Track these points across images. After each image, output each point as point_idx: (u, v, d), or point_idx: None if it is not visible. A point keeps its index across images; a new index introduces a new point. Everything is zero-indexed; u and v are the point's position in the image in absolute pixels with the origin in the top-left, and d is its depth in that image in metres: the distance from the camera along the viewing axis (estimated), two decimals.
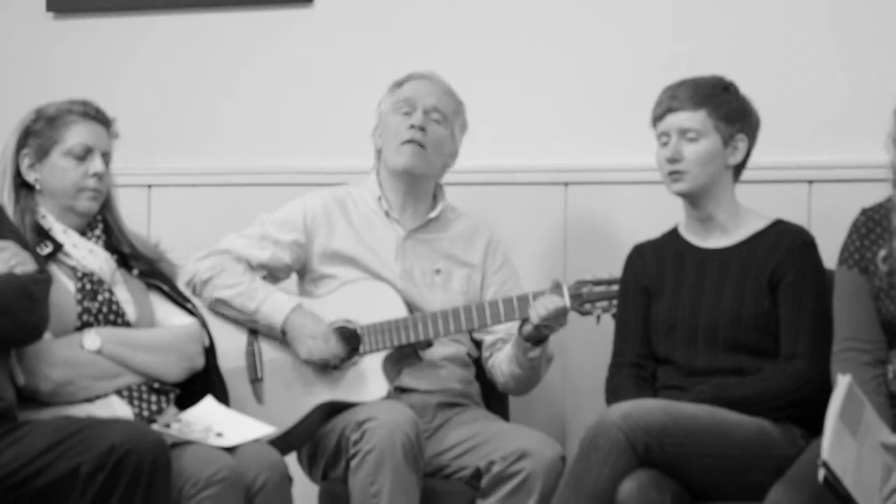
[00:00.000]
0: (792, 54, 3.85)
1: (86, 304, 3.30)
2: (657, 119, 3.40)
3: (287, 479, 3.24)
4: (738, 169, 3.42)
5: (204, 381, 3.38)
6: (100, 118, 3.40)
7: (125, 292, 3.38)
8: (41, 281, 3.13)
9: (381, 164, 3.77)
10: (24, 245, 3.19)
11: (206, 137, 4.41)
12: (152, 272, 3.45)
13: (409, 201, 3.75)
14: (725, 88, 3.40)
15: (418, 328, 3.57)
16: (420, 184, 3.74)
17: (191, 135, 4.42)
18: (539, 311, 3.47)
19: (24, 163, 3.37)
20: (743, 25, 3.90)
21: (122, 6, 4.48)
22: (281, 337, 3.61)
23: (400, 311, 3.60)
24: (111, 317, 3.32)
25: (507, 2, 4.12)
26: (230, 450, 3.17)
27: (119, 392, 3.26)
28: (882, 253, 3.11)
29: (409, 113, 3.69)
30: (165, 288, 3.44)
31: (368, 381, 3.57)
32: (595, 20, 4.03)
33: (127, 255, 3.43)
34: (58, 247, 3.33)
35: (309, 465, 3.63)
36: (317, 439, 3.56)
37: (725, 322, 3.30)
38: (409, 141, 3.66)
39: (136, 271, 3.43)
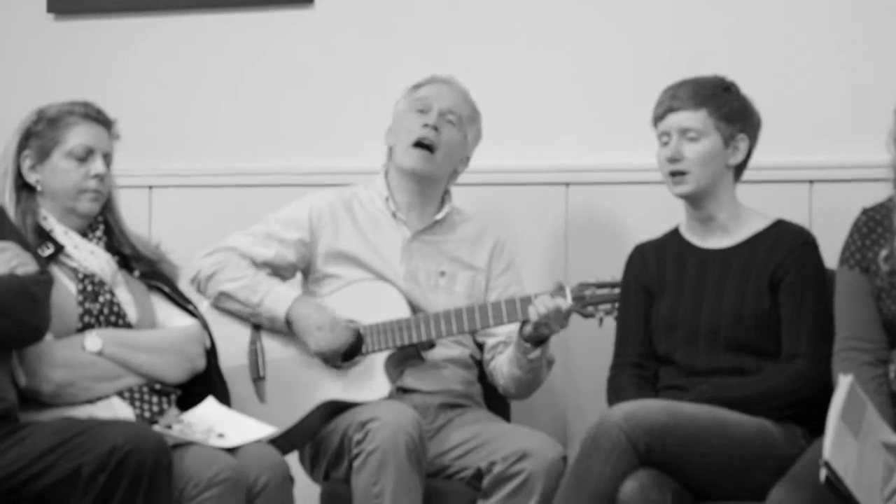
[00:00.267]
0: (792, 54, 3.85)
1: (87, 305, 3.30)
2: (658, 119, 3.40)
3: (289, 480, 3.24)
4: (739, 169, 3.42)
5: (205, 382, 3.38)
6: (101, 119, 3.40)
7: (126, 294, 3.38)
8: (42, 282, 3.13)
9: (391, 164, 3.76)
10: (26, 246, 3.18)
11: (206, 138, 4.41)
12: (153, 273, 3.45)
13: (417, 202, 3.74)
14: (726, 88, 3.40)
15: (421, 329, 3.57)
16: (429, 185, 3.73)
17: (191, 136, 4.42)
18: (538, 308, 3.46)
19: (26, 164, 3.37)
20: (743, 25, 3.90)
21: (122, 7, 4.48)
22: (286, 329, 3.60)
23: (403, 312, 3.59)
24: (112, 318, 3.32)
25: (508, 2, 4.12)
26: (231, 451, 3.16)
27: (120, 393, 3.26)
28: (883, 253, 3.11)
29: (425, 112, 3.69)
30: (166, 289, 3.44)
31: (370, 380, 3.56)
32: (595, 20, 4.03)
33: (128, 257, 3.43)
34: (59, 248, 3.33)
35: (311, 466, 3.63)
36: (319, 439, 3.56)
37: (726, 322, 3.30)
38: (420, 143, 3.65)
39: (137, 273, 3.43)
